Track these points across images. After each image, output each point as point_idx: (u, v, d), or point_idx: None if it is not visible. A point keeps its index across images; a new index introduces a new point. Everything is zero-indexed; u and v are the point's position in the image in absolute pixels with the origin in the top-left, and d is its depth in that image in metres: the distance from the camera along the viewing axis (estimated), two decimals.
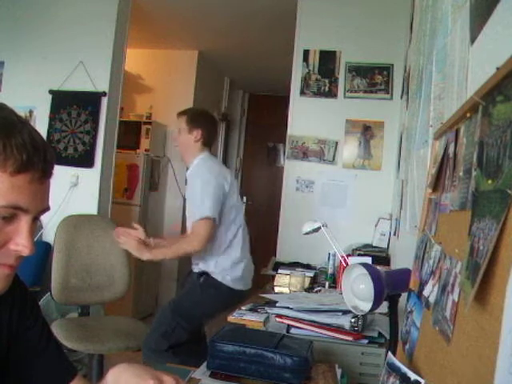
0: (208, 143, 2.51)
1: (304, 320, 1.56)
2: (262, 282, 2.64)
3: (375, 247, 2.89)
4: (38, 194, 0.71)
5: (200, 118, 2.50)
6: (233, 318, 1.71)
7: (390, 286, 1.09)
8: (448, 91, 1.13)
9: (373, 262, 1.96)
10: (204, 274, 2.38)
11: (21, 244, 0.71)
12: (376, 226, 2.97)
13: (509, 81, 0.56)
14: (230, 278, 2.37)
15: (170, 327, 2.27)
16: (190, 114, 2.51)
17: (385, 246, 2.90)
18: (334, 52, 3.22)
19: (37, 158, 0.69)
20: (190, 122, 2.46)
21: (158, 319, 2.38)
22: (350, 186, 3.17)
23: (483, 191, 0.61)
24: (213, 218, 2.27)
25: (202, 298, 2.35)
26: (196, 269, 2.43)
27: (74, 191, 3.32)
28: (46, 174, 0.72)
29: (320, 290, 2.26)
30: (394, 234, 2.54)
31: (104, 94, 3.33)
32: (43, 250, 3.00)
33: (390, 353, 0.93)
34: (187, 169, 2.56)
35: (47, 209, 0.75)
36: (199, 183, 2.33)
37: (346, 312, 1.52)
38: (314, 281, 2.49)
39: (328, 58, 3.23)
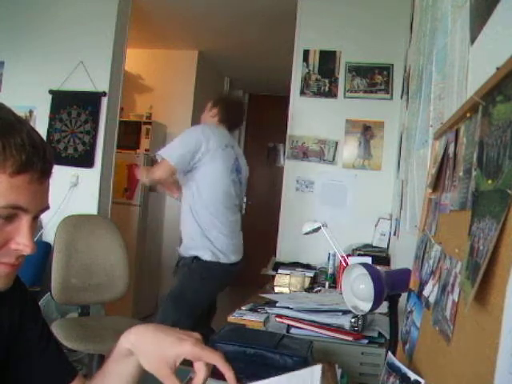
0: (225, 121, 2.64)
1: (304, 320, 1.56)
2: (262, 281, 2.64)
3: (375, 247, 2.89)
4: (38, 193, 0.71)
5: (221, 100, 2.75)
6: (233, 318, 1.71)
7: (390, 286, 1.09)
8: (448, 91, 1.13)
9: (373, 262, 1.96)
10: (195, 258, 2.44)
11: (21, 243, 0.71)
12: (376, 226, 2.97)
13: (509, 81, 0.56)
14: (221, 254, 2.45)
15: (175, 318, 2.32)
16: (216, 97, 2.80)
17: (385, 245, 2.90)
18: (334, 52, 3.22)
19: (36, 158, 0.69)
20: (212, 103, 2.70)
21: (161, 314, 2.43)
22: (350, 186, 3.17)
23: (483, 191, 0.61)
24: (172, 163, 2.41)
25: (200, 284, 2.42)
26: (186, 254, 2.49)
27: (74, 191, 3.32)
28: (46, 174, 0.72)
29: (320, 290, 2.26)
30: (394, 234, 2.54)
31: (104, 94, 3.33)
32: (43, 250, 3.00)
33: (389, 353, 0.93)
34: None
35: (47, 208, 0.75)
36: (186, 134, 2.51)
37: (346, 312, 1.52)
38: (314, 281, 2.49)
39: (328, 58, 3.23)
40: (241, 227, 2.68)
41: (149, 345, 0.79)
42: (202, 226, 2.45)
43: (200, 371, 0.80)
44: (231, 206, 2.54)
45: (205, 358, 0.80)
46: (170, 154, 2.41)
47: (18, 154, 0.67)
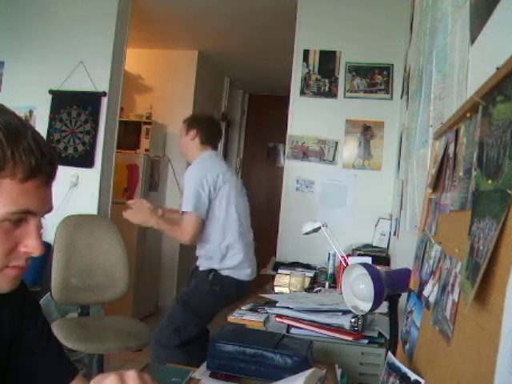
0: (207, 141, 2.60)
1: (304, 320, 1.56)
2: (262, 281, 2.64)
3: (375, 247, 2.89)
4: (45, 196, 0.72)
5: (195, 120, 2.67)
6: (233, 318, 1.71)
7: (390, 286, 1.09)
8: (448, 91, 1.13)
9: (373, 262, 1.96)
10: (212, 270, 2.46)
11: (31, 246, 0.72)
12: (376, 226, 2.97)
13: (509, 81, 0.56)
14: (236, 274, 2.46)
15: (183, 323, 2.34)
16: (188, 118, 2.70)
17: (385, 245, 2.89)
18: (334, 52, 3.22)
19: (44, 163, 0.69)
20: (186, 125, 2.63)
21: (169, 315, 2.43)
22: (350, 186, 3.17)
23: (483, 191, 0.61)
24: (196, 215, 2.40)
25: (212, 294, 2.42)
26: (203, 266, 2.50)
27: (74, 191, 3.32)
28: (52, 177, 0.73)
29: (320, 290, 2.26)
30: (394, 234, 2.54)
31: (104, 94, 3.32)
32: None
33: (389, 353, 0.93)
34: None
35: (51, 209, 0.76)
36: (189, 180, 2.46)
37: (346, 312, 1.52)
38: (314, 281, 2.49)
39: (328, 58, 3.23)
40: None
41: None
42: (222, 243, 2.47)
43: None
44: (247, 226, 2.59)
45: None
46: (188, 206, 2.40)
47: (28, 160, 0.67)
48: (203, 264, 2.51)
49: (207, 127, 2.64)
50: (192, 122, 2.62)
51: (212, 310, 2.46)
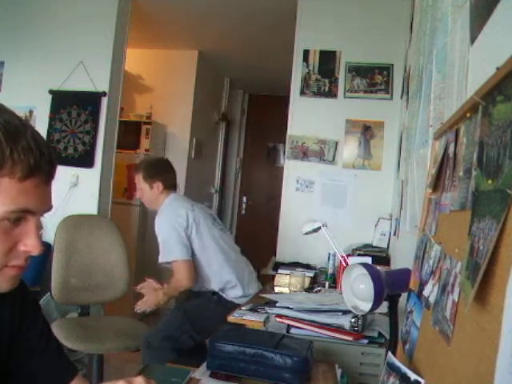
0: (170, 186, 2.59)
1: (304, 320, 1.56)
2: (261, 281, 2.64)
3: (375, 247, 2.89)
4: (44, 195, 0.72)
5: (155, 170, 2.58)
6: (233, 318, 1.71)
7: (390, 286, 1.09)
8: (448, 91, 1.13)
9: (373, 262, 1.96)
10: (216, 294, 2.49)
11: (30, 245, 0.72)
12: (376, 226, 2.97)
13: (509, 81, 0.56)
14: (236, 299, 2.45)
15: (178, 333, 2.32)
16: (143, 170, 2.57)
17: (385, 245, 2.89)
18: (334, 52, 3.22)
19: (43, 162, 0.69)
20: (147, 177, 2.54)
21: (167, 321, 2.41)
22: (350, 186, 3.17)
23: (483, 191, 0.61)
24: (183, 259, 2.41)
25: (214, 314, 2.39)
26: (206, 287, 2.51)
27: (74, 191, 3.32)
28: (51, 176, 0.73)
29: (320, 290, 2.26)
30: (394, 234, 2.54)
31: (104, 94, 3.32)
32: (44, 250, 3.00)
33: (389, 353, 0.93)
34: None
35: (51, 208, 0.76)
36: (163, 229, 2.46)
37: (346, 312, 1.52)
38: (314, 281, 2.49)
39: (328, 58, 3.23)
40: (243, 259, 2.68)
41: None
42: (222, 271, 2.49)
43: None
44: (231, 250, 2.58)
45: None
46: (176, 255, 2.43)
47: (26, 159, 0.67)
48: (205, 287, 2.52)
49: (167, 173, 2.60)
50: (153, 174, 2.54)
51: (211, 329, 2.44)
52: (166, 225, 2.46)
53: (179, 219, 2.45)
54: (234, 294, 2.47)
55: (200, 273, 2.49)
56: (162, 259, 2.48)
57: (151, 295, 2.42)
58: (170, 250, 2.44)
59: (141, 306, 2.41)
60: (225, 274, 2.48)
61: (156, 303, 2.42)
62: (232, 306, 2.40)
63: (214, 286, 2.49)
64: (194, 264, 2.45)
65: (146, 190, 2.55)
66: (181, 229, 2.44)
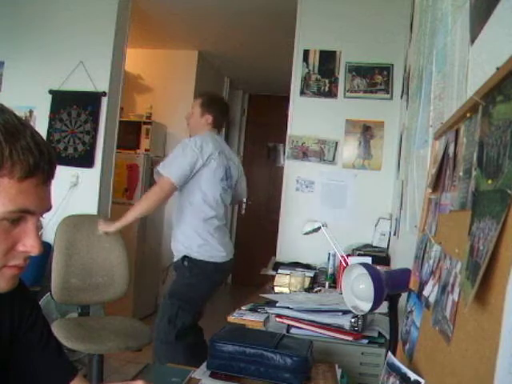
0: (216, 126, 2.68)
1: (304, 320, 1.56)
2: (262, 281, 2.64)
3: (375, 247, 2.89)
4: (44, 195, 0.72)
5: (213, 104, 2.66)
6: (233, 317, 1.71)
7: (390, 286, 1.09)
8: (448, 91, 1.13)
9: (373, 262, 1.96)
10: (186, 257, 2.49)
11: (29, 245, 0.72)
12: (376, 226, 2.97)
13: (509, 81, 0.56)
14: (209, 254, 2.49)
15: (173, 312, 2.40)
16: (204, 98, 2.68)
17: (385, 245, 2.89)
18: (334, 52, 3.22)
19: (43, 162, 0.69)
20: (203, 105, 2.63)
21: (160, 311, 2.50)
22: (350, 186, 3.17)
23: (483, 191, 0.61)
24: (171, 181, 2.41)
25: (192, 279, 2.47)
26: (177, 256, 2.54)
27: (74, 191, 3.32)
28: (51, 176, 0.72)
29: (320, 290, 2.26)
30: (394, 234, 2.54)
31: (104, 94, 3.32)
32: (43, 250, 2.99)
33: (389, 353, 0.93)
34: None
35: (50, 208, 0.75)
36: (181, 148, 2.47)
37: (346, 312, 1.52)
38: (314, 281, 2.49)
39: (328, 58, 3.23)
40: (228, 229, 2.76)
41: None
42: (193, 228, 2.51)
43: None
44: (219, 213, 2.59)
45: None
46: (171, 171, 2.43)
47: (26, 159, 0.67)
48: (177, 251, 2.54)
49: (221, 113, 2.67)
50: (210, 106, 2.62)
51: (199, 295, 2.51)
52: (186, 146, 2.46)
53: (196, 151, 2.45)
54: (203, 251, 2.49)
55: (176, 214, 2.53)
56: (159, 167, 2.48)
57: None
58: (169, 165, 2.45)
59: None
60: (198, 228, 2.50)
61: (105, 229, 2.59)
62: (204, 265, 2.48)
63: (181, 241, 2.51)
64: (172, 194, 2.48)
65: (196, 115, 2.63)
66: (193, 159, 2.43)
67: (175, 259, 2.56)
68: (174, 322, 2.38)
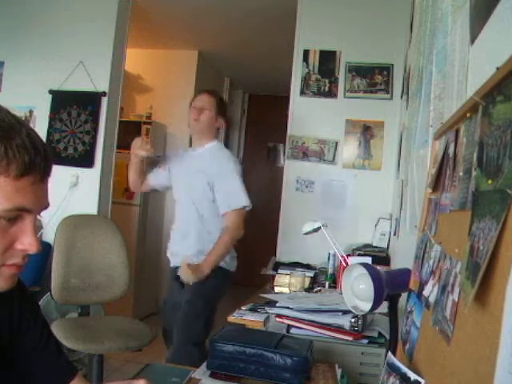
0: (219, 133, 2.63)
1: (304, 320, 1.56)
2: (262, 281, 2.64)
3: (375, 247, 2.89)
4: (40, 193, 0.72)
5: (225, 109, 2.55)
6: (233, 317, 1.71)
7: (390, 286, 1.09)
8: (448, 91, 1.13)
9: (373, 262, 1.96)
10: (218, 268, 2.38)
11: (27, 243, 0.72)
12: (376, 226, 2.97)
13: (509, 81, 0.56)
14: (234, 264, 2.47)
15: (210, 314, 2.31)
16: (219, 99, 2.52)
17: (385, 245, 2.89)
18: (334, 52, 3.22)
19: (38, 159, 0.69)
20: (219, 107, 2.47)
21: (190, 314, 2.28)
22: (350, 186, 3.17)
23: (483, 191, 0.61)
24: (246, 205, 2.34)
25: (219, 283, 2.37)
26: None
27: (74, 191, 3.32)
28: (47, 174, 0.72)
29: (320, 290, 2.26)
30: (394, 234, 2.54)
31: (104, 94, 3.32)
32: (43, 250, 2.99)
33: (389, 353, 0.93)
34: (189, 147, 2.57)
35: (47, 206, 0.75)
36: (234, 171, 2.36)
37: (346, 312, 1.52)
38: (314, 281, 2.49)
39: (328, 58, 3.23)
40: None
41: None
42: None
43: None
44: None
45: None
46: (241, 200, 2.34)
47: (21, 157, 0.67)
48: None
49: (227, 120, 2.60)
50: (224, 110, 2.50)
51: (219, 300, 2.44)
52: (234, 170, 2.36)
53: (239, 166, 2.40)
54: (233, 264, 2.48)
55: (204, 224, 2.39)
56: (229, 207, 2.32)
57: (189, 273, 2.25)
58: (237, 197, 2.33)
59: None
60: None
61: (197, 278, 2.25)
62: (228, 273, 2.44)
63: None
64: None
65: (211, 117, 2.44)
66: (239, 175, 2.37)
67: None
68: (210, 325, 2.28)
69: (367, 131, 3.15)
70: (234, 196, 2.34)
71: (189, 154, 2.60)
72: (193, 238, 2.41)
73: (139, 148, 2.59)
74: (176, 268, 2.40)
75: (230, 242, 2.35)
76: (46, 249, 3.01)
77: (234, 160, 2.45)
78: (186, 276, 2.25)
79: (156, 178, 2.72)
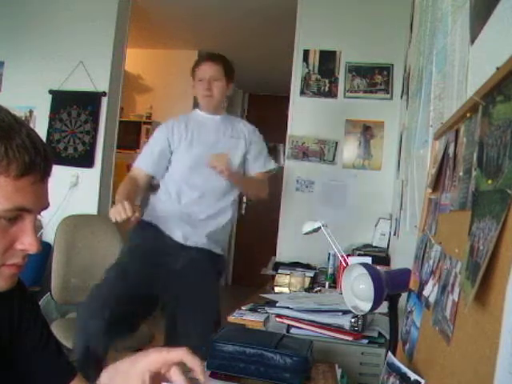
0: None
1: (304, 320, 1.56)
2: (262, 281, 2.64)
3: (375, 247, 2.89)
4: (41, 193, 0.72)
5: (233, 70, 2.36)
6: (233, 317, 1.71)
7: (390, 286, 1.09)
8: (448, 91, 1.14)
9: (373, 262, 1.95)
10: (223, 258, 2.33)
11: (27, 243, 0.72)
12: (376, 226, 2.97)
13: (509, 81, 0.56)
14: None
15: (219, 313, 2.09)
16: (227, 62, 2.30)
17: (385, 245, 2.89)
18: (334, 52, 3.22)
19: (39, 160, 0.69)
20: (227, 74, 2.27)
21: (211, 312, 2.04)
22: (350, 186, 3.17)
23: (483, 191, 0.61)
24: (273, 170, 2.50)
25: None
26: (217, 250, 2.23)
27: (74, 191, 3.32)
28: (47, 174, 0.72)
29: (320, 290, 2.26)
30: (394, 234, 2.54)
31: (104, 94, 3.32)
32: (43, 250, 2.99)
33: (389, 353, 0.93)
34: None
35: (47, 206, 0.75)
36: (261, 139, 2.49)
37: (346, 312, 1.51)
38: (314, 281, 2.49)
39: (328, 58, 3.23)
40: None
41: (120, 372, 0.77)
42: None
43: (176, 375, 0.77)
44: None
45: (171, 357, 0.76)
46: (272, 164, 2.57)
47: (21, 157, 0.67)
48: (222, 247, 2.26)
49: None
50: (232, 75, 2.32)
51: None
52: (260, 134, 2.46)
53: None
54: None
55: (223, 210, 2.27)
56: (265, 168, 2.45)
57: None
58: (269, 160, 2.50)
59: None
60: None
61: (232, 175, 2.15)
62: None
63: (225, 240, 2.38)
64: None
65: (224, 88, 2.26)
66: None
67: (218, 251, 2.23)
68: (220, 322, 2.03)
69: (367, 131, 3.15)
70: (267, 159, 2.49)
71: (207, 118, 2.34)
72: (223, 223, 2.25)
73: (122, 213, 1.82)
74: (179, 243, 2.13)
75: (262, 188, 2.43)
76: (46, 249, 3.01)
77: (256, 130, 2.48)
78: (221, 162, 2.06)
79: (157, 167, 2.25)
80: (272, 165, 2.51)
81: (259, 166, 2.43)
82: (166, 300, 2.14)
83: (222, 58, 2.29)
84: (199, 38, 4.50)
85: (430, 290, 0.82)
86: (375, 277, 1.05)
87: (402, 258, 2.00)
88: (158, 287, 2.07)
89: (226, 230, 2.30)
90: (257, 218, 6.11)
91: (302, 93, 3.26)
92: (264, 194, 2.43)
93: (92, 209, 3.29)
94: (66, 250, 2.61)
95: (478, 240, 0.59)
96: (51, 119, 3.39)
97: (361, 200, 3.13)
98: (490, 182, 0.58)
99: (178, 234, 2.15)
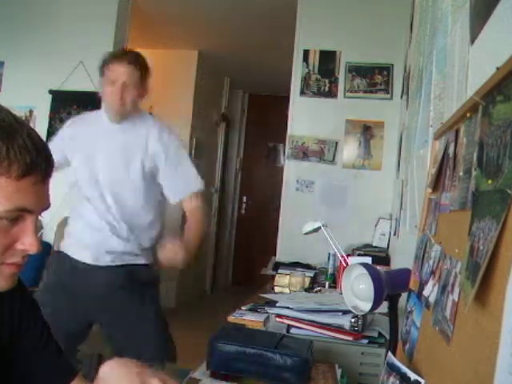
0: None
1: (304, 320, 1.56)
2: (262, 281, 2.64)
3: (375, 247, 2.89)
4: (42, 193, 0.72)
5: (149, 71, 2.06)
6: (233, 317, 1.71)
7: (390, 286, 1.09)
8: (448, 91, 1.14)
9: (373, 262, 1.96)
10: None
11: (28, 243, 0.72)
12: (376, 226, 2.97)
13: (509, 81, 0.56)
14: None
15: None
16: (145, 67, 1.99)
17: (385, 245, 2.89)
18: (334, 52, 3.22)
19: (40, 160, 0.69)
20: (144, 79, 1.99)
21: (162, 329, 1.95)
22: (350, 186, 3.17)
23: (483, 191, 0.61)
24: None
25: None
26: (143, 260, 1.99)
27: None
28: (48, 175, 0.72)
29: (320, 290, 2.26)
30: (394, 234, 2.54)
31: None
32: (43, 250, 2.99)
33: (390, 353, 0.93)
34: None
35: (49, 206, 0.75)
36: (183, 149, 2.01)
37: (346, 312, 1.51)
38: (314, 281, 2.49)
39: (328, 58, 3.23)
40: None
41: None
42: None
43: None
44: None
45: None
46: (199, 184, 1.98)
47: (23, 157, 0.67)
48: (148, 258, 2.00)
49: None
50: (149, 74, 1.99)
51: None
52: (183, 148, 2.01)
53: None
54: None
55: (147, 214, 2.00)
56: (195, 187, 1.92)
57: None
58: (195, 176, 1.94)
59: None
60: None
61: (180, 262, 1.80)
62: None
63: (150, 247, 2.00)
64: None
65: (138, 95, 1.95)
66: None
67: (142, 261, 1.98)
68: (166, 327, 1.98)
69: (367, 131, 3.15)
70: (190, 174, 1.97)
71: (108, 126, 2.05)
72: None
73: None
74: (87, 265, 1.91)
75: (201, 228, 1.96)
76: (46, 249, 3.01)
77: (178, 138, 2.00)
78: (175, 257, 1.79)
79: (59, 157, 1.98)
80: (199, 184, 1.94)
81: (180, 189, 1.93)
82: (99, 323, 2.04)
83: (141, 60, 1.98)
84: (199, 38, 4.50)
85: (430, 290, 0.82)
86: (375, 277, 1.05)
87: (401, 258, 2.00)
88: (86, 317, 1.96)
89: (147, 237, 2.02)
90: (257, 218, 6.12)
91: (302, 93, 3.26)
92: (204, 229, 2.02)
93: None
94: None
95: (478, 240, 0.59)
96: (51, 119, 3.39)
97: (361, 200, 3.13)
98: (489, 182, 0.58)
99: (86, 255, 1.93)
